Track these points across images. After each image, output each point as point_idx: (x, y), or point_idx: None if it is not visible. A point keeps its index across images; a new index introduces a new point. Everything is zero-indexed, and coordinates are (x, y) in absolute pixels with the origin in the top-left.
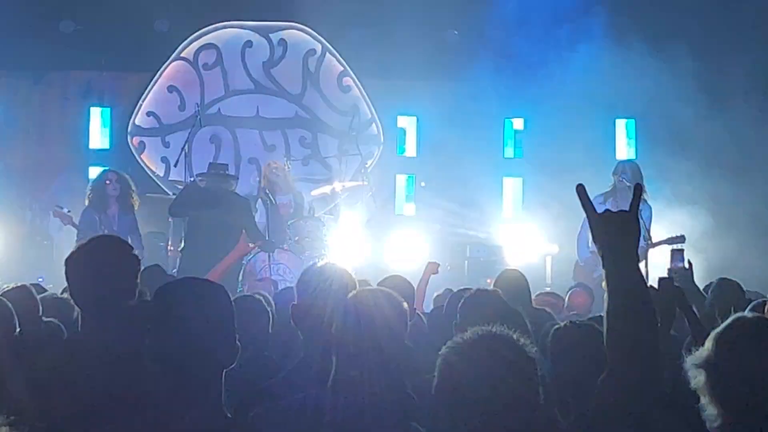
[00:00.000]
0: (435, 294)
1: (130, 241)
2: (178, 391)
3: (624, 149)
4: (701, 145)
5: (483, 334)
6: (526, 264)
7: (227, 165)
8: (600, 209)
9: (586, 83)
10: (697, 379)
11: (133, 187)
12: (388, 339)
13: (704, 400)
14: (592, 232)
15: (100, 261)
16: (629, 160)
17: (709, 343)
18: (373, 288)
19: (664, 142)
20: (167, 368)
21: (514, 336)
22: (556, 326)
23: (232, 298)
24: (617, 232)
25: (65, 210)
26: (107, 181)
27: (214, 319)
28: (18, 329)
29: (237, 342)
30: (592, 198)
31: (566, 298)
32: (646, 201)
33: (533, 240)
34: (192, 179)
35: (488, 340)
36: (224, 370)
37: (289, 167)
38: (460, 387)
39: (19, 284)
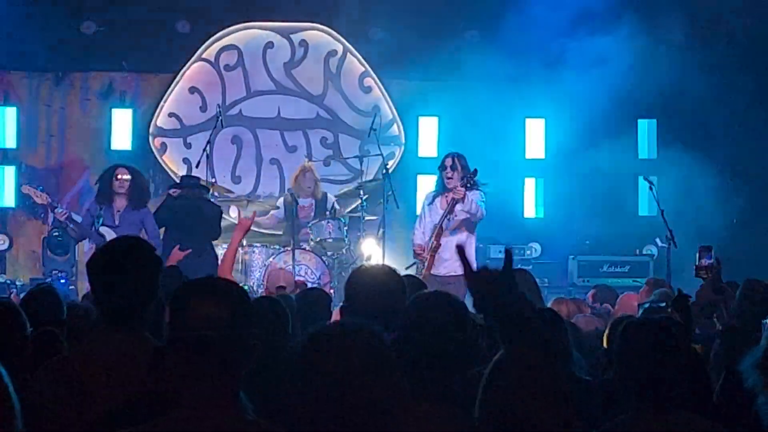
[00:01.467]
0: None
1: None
2: (196, 394)
3: (646, 149)
4: (723, 145)
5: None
6: (549, 264)
7: (199, 177)
8: (429, 208)
9: (607, 83)
10: (753, 379)
11: (146, 186)
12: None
13: (762, 399)
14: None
15: (119, 262)
16: (454, 152)
17: (765, 342)
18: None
19: (686, 142)
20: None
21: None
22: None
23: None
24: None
25: (38, 188)
26: (116, 177)
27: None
28: (29, 329)
29: (254, 342)
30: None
31: (589, 297)
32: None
33: (555, 240)
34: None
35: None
36: (242, 371)
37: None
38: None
39: (43, 285)
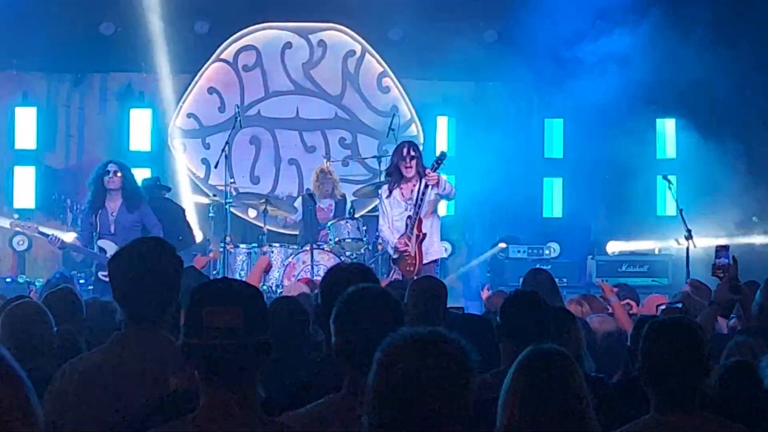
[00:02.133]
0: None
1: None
2: (212, 395)
3: (664, 149)
4: (743, 144)
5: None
6: (568, 263)
7: (158, 177)
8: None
9: (626, 83)
10: None
11: (136, 182)
12: None
13: None
14: None
15: (143, 263)
16: (408, 141)
17: None
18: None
19: (705, 141)
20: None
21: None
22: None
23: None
24: None
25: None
26: (106, 174)
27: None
28: (54, 328)
29: (267, 342)
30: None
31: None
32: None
33: (574, 239)
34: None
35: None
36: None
37: (329, 168)
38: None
39: (62, 286)
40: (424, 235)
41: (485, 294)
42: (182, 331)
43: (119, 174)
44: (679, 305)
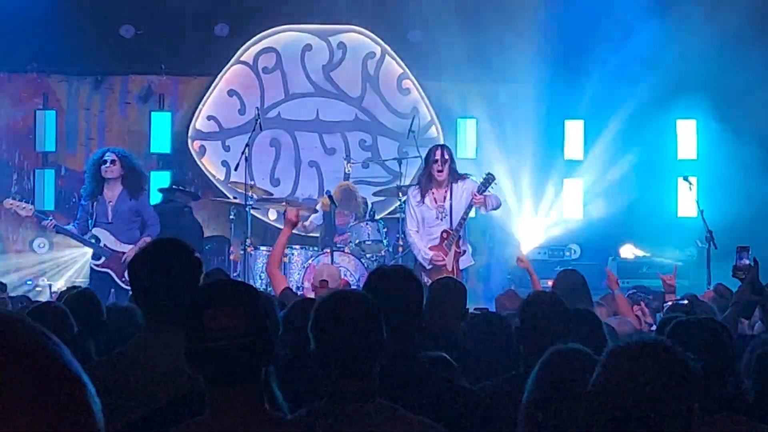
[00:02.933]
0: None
1: (132, 229)
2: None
3: (685, 150)
4: (764, 145)
5: (648, 342)
6: (588, 265)
7: (176, 181)
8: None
9: (646, 84)
10: None
11: (139, 168)
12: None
13: None
14: None
15: (164, 264)
16: (441, 144)
17: None
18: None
19: (726, 143)
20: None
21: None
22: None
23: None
24: None
25: (23, 200)
26: (103, 163)
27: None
28: (75, 329)
29: (272, 342)
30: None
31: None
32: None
33: (595, 242)
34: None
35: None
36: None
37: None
38: (621, 394)
39: (81, 288)
40: (463, 251)
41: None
42: (185, 335)
43: (117, 163)
44: (684, 302)
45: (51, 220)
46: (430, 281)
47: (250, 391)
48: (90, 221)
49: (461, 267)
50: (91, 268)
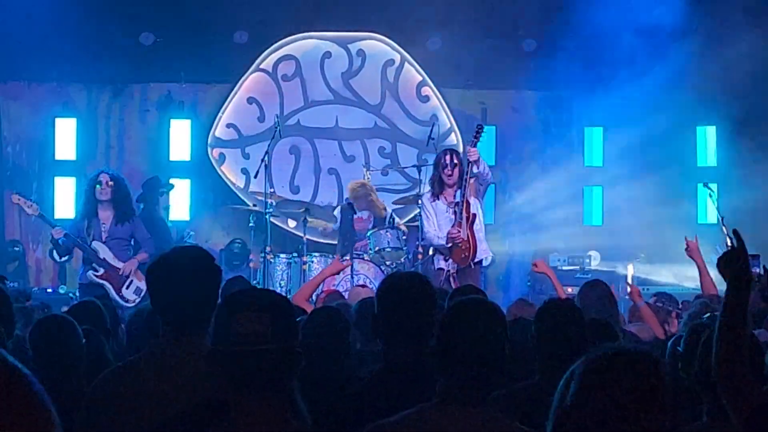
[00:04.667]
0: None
1: (127, 249)
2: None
3: (705, 157)
4: None
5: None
6: (608, 272)
7: (157, 176)
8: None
9: (666, 91)
10: None
11: (129, 194)
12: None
13: None
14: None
15: (184, 272)
16: (449, 148)
17: None
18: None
19: (747, 149)
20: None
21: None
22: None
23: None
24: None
25: (29, 198)
26: (97, 183)
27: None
28: (83, 340)
29: (298, 351)
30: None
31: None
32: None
33: (615, 248)
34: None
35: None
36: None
37: (368, 177)
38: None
39: (87, 299)
40: (474, 215)
41: None
42: (211, 338)
43: (111, 184)
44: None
45: (59, 228)
46: (453, 264)
47: (275, 400)
48: (87, 237)
49: (481, 254)
50: (82, 283)
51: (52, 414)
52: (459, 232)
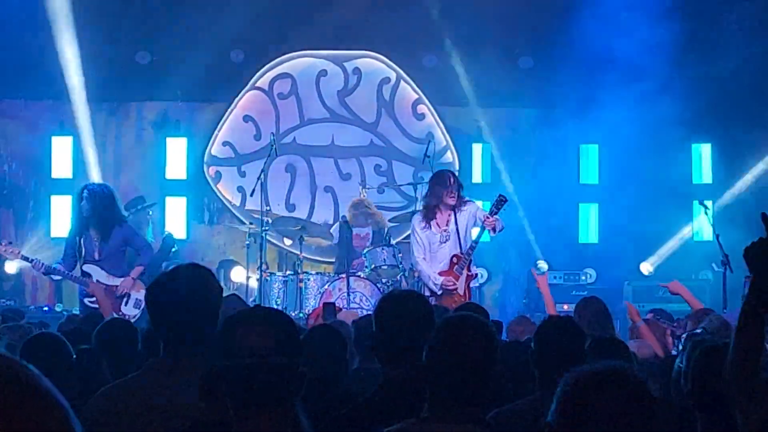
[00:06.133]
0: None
1: (122, 262)
2: (248, 422)
3: (700, 174)
4: None
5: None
6: (604, 289)
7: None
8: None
9: (661, 109)
10: None
11: (107, 209)
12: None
13: None
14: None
15: (186, 291)
16: (447, 170)
17: None
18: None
19: (742, 166)
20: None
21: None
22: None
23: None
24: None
25: (7, 243)
26: (81, 199)
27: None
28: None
29: (302, 369)
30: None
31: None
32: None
33: (610, 265)
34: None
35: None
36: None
37: (364, 195)
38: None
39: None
40: (474, 275)
41: None
42: (213, 355)
43: (88, 202)
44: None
45: (38, 262)
46: (442, 306)
47: (278, 418)
48: (78, 259)
49: (471, 285)
50: (84, 305)
51: (66, 410)
52: (455, 284)
